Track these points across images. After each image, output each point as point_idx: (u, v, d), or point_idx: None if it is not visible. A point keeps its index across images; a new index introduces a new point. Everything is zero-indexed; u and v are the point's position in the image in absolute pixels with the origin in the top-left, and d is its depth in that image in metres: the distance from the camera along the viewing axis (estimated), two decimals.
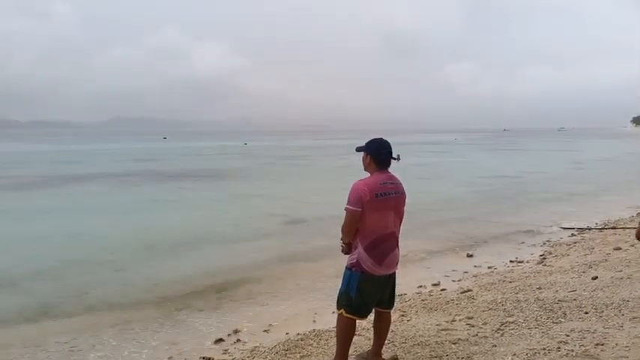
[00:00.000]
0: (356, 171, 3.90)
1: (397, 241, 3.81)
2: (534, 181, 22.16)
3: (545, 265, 7.89)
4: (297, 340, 4.89)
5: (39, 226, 12.22)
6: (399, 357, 4.22)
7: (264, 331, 5.61)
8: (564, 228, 11.30)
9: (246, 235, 11.00)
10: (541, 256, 8.71)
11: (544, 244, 9.83)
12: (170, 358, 5.00)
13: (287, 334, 5.30)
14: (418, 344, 4.48)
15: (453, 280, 7.37)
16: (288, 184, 21.57)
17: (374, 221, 3.63)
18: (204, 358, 4.90)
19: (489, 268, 8.07)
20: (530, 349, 4.11)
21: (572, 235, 10.57)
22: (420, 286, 7.05)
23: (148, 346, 5.38)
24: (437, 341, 4.51)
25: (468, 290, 6.49)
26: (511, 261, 8.48)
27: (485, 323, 4.95)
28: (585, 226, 11.34)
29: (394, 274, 3.92)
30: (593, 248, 8.72)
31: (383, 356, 4.13)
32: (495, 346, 4.31)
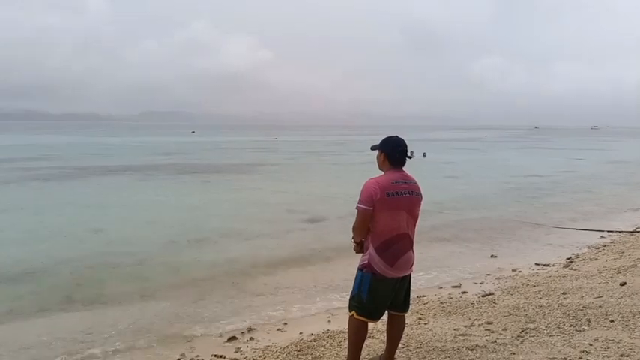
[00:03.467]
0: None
1: (411, 243, 3.67)
2: (564, 180, 21.62)
3: (571, 268, 7.63)
4: (310, 341, 4.81)
5: (63, 218, 12.44)
6: None
7: (278, 329, 5.53)
8: (593, 230, 10.95)
9: (266, 231, 10.93)
10: (568, 259, 8.43)
11: (571, 246, 9.52)
12: (182, 354, 4.96)
13: (300, 333, 5.22)
14: (434, 349, 4.34)
15: (475, 283, 7.16)
16: (311, 180, 21.48)
17: (385, 221, 3.51)
18: (216, 356, 4.85)
19: (513, 270, 7.84)
20: (551, 359, 3.94)
21: (602, 237, 10.24)
22: (440, 288, 6.88)
23: (162, 340, 5.36)
24: (454, 347, 4.37)
25: (490, 294, 6.32)
26: (536, 264, 8.23)
27: (505, 329, 4.78)
28: (615, 229, 10.97)
29: (409, 276, 3.80)
30: (622, 252, 8.40)
31: None
32: (514, 353, 4.15)
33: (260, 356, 4.61)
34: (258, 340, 5.22)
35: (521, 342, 4.42)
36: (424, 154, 34.26)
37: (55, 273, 7.84)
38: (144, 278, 7.63)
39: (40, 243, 9.76)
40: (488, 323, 4.99)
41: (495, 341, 4.45)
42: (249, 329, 5.55)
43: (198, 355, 4.92)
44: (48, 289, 7.10)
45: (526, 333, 4.62)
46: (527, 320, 4.98)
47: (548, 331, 4.63)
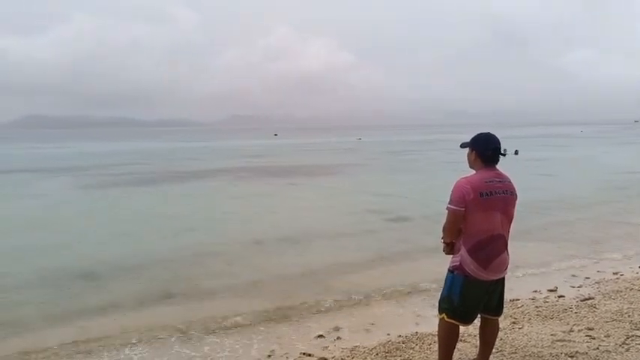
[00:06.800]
0: (464, 167, 3.68)
1: (506, 245, 3.53)
2: None
3: None
4: (399, 343, 4.75)
5: (157, 219, 13.16)
6: None
7: (365, 330, 5.49)
8: None
9: (350, 231, 10.97)
10: None
11: None
12: (272, 351, 5.06)
13: (388, 335, 5.16)
14: (530, 355, 4.17)
15: (572, 287, 6.76)
16: (395, 180, 21.29)
17: (478, 222, 3.38)
18: (304, 354, 4.91)
19: (615, 274, 7.33)
20: None
21: None
22: (535, 292, 6.54)
23: (252, 338, 5.49)
24: (551, 353, 4.17)
25: (590, 298, 5.95)
26: None
27: (607, 336, 4.50)
28: None
29: (503, 279, 3.65)
30: None
31: None
32: None
33: (348, 356, 4.61)
34: (345, 340, 5.21)
35: (627, 350, 4.14)
36: (516, 152, 32.90)
37: (152, 271, 8.27)
38: (233, 276, 7.89)
39: (136, 242, 10.37)
40: (589, 329, 4.72)
41: (598, 348, 4.20)
42: (336, 329, 5.57)
43: (287, 353, 4.99)
44: (144, 286, 7.48)
45: (632, 340, 4.33)
46: (633, 327, 4.66)
47: None
